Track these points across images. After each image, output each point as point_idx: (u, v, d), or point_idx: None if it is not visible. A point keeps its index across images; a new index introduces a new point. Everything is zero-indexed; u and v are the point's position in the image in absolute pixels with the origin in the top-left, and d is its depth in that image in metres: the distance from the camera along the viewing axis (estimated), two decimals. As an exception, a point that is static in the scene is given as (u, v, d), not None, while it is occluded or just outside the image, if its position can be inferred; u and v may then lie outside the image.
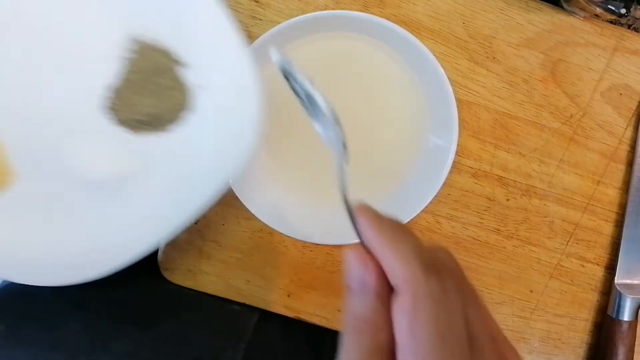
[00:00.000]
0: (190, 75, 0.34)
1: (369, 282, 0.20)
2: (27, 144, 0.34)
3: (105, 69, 0.33)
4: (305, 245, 0.43)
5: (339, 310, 0.43)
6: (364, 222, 0.22)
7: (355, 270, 0.20)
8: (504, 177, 0.43)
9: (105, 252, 0.34)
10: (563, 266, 0.44)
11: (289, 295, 0.43)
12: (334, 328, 0.44)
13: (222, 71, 0.32)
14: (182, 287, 0.43)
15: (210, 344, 0.39)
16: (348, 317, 0.20)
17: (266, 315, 0.43)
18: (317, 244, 0.42)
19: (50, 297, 0.37)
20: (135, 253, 0.34)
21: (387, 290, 0.20)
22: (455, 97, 0.40)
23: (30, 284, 0.34)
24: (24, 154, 0.34)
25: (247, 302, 0.43)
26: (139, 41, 0.33)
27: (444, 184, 0.41)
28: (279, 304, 0.43)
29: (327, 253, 0.43)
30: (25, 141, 0.34)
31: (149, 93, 0.33)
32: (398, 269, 0.19)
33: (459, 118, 0.40)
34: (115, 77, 0.34)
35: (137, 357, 0.36)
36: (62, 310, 0.37)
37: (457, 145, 0.41)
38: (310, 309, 0.43)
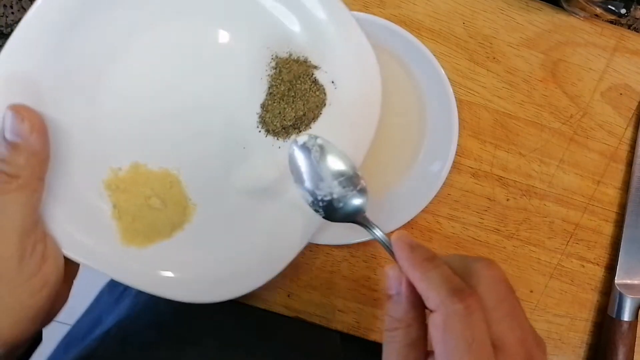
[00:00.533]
0: (323, 75, 0.37)
1: (404, 292, 0.27)
2: (200, 175, 0.37)
3: (257, 90, 0.37)
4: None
5: (339, 310, 0.43)
6: (400, 256, 0.27)
7: (393, 284, 0.27)
8: (504, 177, 0.43)
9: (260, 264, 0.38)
10: (563, 266, 0.44)
11: (289, 295, 0.43)
12: (332, 328, 0.44)
13: (348, 67, 0.37)
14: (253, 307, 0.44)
15: None
16: (387, 318, 0.27)
17: (344, 336, 0.44)
18: (317, 244, 0.42)
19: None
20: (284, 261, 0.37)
21: (416, 296, 0.26)
22: (455, 97, 0.40)
23: (200, 302, 0.36)
24: (198, 185, 0.37)
25: (248, 303, 0.43)
26: (278, 57, 0.37)
27: (444, 184, 0.41)
28: (279, 304, 0.43)
29: (327, 253, 0.43)
30: (198, 173, 0.37)
31: (293, 99, 0.36)
32: (430, 296, 0.25)
33: (459, 118, 0.40)
34: (265, 94, 0.37)
35: None
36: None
37: (457, 145, 0.41)
38: (310, 309, 0.43)
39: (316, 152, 0.33)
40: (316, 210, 0.35)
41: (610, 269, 0.44)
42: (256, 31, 0.36)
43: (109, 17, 0.34)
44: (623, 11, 0.37)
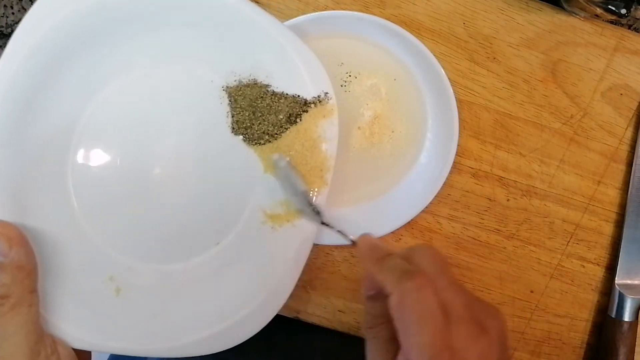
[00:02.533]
0: (276, 87, 0.38)
1: (377, 292, 0.30)
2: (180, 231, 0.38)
3: (224, 112, 0.38)
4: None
5: (339, 311, 0.43)
6: (361, 256, 0.31)
7: (369, 285, 0.31)
8: (504, 178, 0.43)
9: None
10: (563, 266, 0.44)
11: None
12: (333, 328, 0.44)
13: (293, 76, 0.38)
14: None
15: None
16: (368, 317, 0.30)
17: (344, 336, 0.45)
18: (318, 245, 0.42)
19: None
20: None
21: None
22: (456, 97, 0.40)
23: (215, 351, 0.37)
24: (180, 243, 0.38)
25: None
26: (229, 87, 0.38)
27: (444, 184, 0.41)
28: (279, 304, 0.43)
29: (327, 253, 0.43)
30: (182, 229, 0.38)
31: (261, 118, 0.38)
32: (386, 284, 0.28)
33: (459, 118, 0.40)
34: (231, 115, 0.38)
35: None
36: None
37: (458, 145, 0.41)
38: (310, 309, 0.43)
39: (287, 169, 0.37)
40: (303, 213, 0.37)
41: (611, 269, 0.44)
42: (202, 66, 0.37)
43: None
44: (623, 11, 0.37)
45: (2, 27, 0.41)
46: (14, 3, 0.41)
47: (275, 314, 0.38)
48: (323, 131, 0.38)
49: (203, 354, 0.36)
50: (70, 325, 0.33)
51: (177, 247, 0.37)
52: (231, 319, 0.37)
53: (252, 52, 0.37)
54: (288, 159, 0.38)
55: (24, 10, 0.41)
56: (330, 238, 0.41)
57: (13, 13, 0.41)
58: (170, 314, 0.36)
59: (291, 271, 0.38)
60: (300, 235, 0.38)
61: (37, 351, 0.29)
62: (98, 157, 0.35)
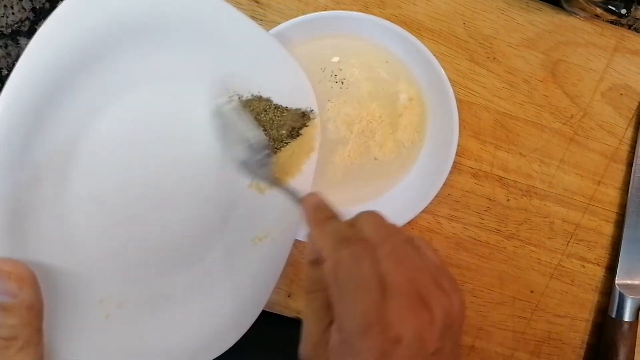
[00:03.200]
0: (277, 100, 0.38)
1: (317, 258, 0.28)
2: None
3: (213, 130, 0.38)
4: (306, 245, 0.43)
5: (339, 311, 0.43)
6: (304, 216, 0.30)
7: (312, 249, 0.29)
8: (504, 178, 0.43)
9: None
10: (564, 267, 0.44)
11: (289, 296, 0.43)
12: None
13: (284, 90, 0.38)
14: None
15: None
16: (307, 281, 0.29)
17: None
18: (318, 244, 0.42)
19: None
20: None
21: None
22: (456, 98, 0.40)
23: None
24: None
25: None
26: (244, 98, 0.37)
27: (445, 184, 0.41)
28: (280, 304, 0.43)
29: (328, 253, 0.43)
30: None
31: (268, 130, 0.37)
32: (323, 249, 0.27)
33: (459, 118, 0.40)
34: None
35: None
36: None
37: (458, 145, 0.40)
38: (310, 310, 0.43)
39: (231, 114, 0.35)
40: (247, 165, 0.35)
41: (611, 269, 0.44)
42: (193, 85, 0.37)
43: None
44: (623, 11, 0.37)
45: (2, 27, 0.41)
46: (14, 3, 0.41)
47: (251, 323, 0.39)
48: (315, 143, 0.38)
49: None
50: (65, 352, 0.33)
51: (163, 265, 0.37)
52: (212, 333, 0.38)
53: (243, 68, 0.37)
54: (236, 101, 0.35)
55: (24, 10, 0.41)
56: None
57: (13, 13, 0.41)
58: (157, 333, 0.37)
59: (269, 282, 0.39)
60: (278, 248, 0.39)
61: None
62: (92, 180, 0.35)
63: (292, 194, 0.32)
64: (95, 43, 0.32)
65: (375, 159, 0.42)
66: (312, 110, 0.38)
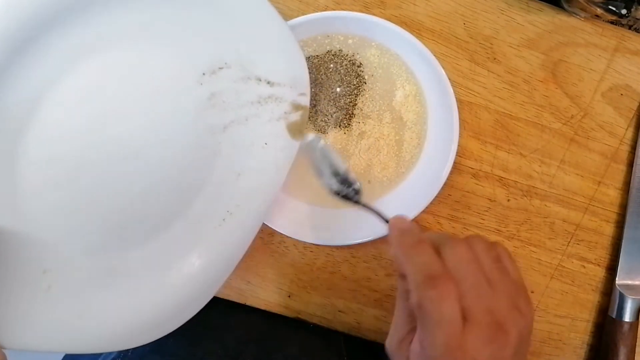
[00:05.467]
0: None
1: (403, 274, 0.30)
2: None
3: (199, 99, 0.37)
4: (306, 245, 0.43)
5: (339, 311, 0.43)
6: (391, 240, 0.31)
7: (396, 267, 0.32)
8: (504, 178, 0.43)
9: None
10: (564, 267, 0.44)
11: (289, 296, 0.43)
12: (333, 328, 0.44)
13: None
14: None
15: None
16: (398, 287, 0.32)
17: (347, 338, 0.45)
18: (318, 245, 0.42)
19: None
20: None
21: None
22: (456, 98, 0.40)
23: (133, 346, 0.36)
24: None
25: (248, 303, 0.43)
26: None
27: (445, 184, 0.41)
28: (280, 305, 0.43)
29: (328, 254, 0.43)
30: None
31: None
32: (410, 279, 0.29)
33: (460, 118, 0.40)
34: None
35: None
36: None
37: (458, 145, 0.40)
38: (310, 310, 0.43)
39: (323, 150, 0.38)
40: (339, 194, 0.37)
41: (611, 269, 0.44)
42: (181, 50, 0.36)
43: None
44: (624, 12, 0.37)
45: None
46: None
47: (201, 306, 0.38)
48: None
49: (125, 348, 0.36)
50: (4, 325, 0.32)
51: (120, 237, 0.35)
52: (158, 313, 0.36)
53: (239, 41, 0.36)
54: (323, 140, 0.38)
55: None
56: (331, 239, 0.41)
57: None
58: (98, 312, 0.35)
59: (228, 265, 0.38)
60: (242, 232, 0.38)
61: None
62: (50, 140, 0.32)
63: (380, 215, 0.35)
64: None
65: (375, 159, 0.42)
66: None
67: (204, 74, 0.35)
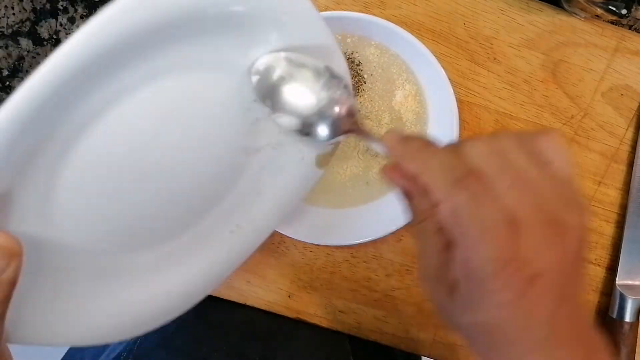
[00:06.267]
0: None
1: (411, 189, 0.26)
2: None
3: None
4: (306, 245, 0.43)
5: (339, 311, 0.43)
6: (392, 153, 0.26)
7: (396, 179, 0.27)
8: (504, 178, 0.43)
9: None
10: (564, 267, 0.44)
11: (289, 296, 0.43)
12: (334, 328, 0.44)
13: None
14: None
15: None
16: (413, 213, 0.27)
17: (351, 339, 0.44)
18: (318, 245, 0.42)
19: None
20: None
21: None
22: (456, 98, 0.40)
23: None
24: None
25: (248, 303, 0.43)
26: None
27: (445, 184, 0.41)
28: (280, 305, 0.43)
29: (328, 254, 0.43)
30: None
31: None
32: (433, 189, 0.24)
33: (460, 119, 0.40)
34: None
35: None
36: None
37: (458, 146, 0.40)
38: (311, 310, 0.43)
39: (284, 71, 0.31)
40: (307, 134, 0.32)
41: (612, 269, 0.44)
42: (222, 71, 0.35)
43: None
44: (624, 12, 0.37)
45: (3, 27, 0.41)
46: (15, 4, 0.41)
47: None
48: None
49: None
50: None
51: (131, 241, 0.36)
52: (146, 313, 0.37)
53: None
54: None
55: (24, 11, 0.41)
56: (331, 239, 0.41)
57: (14, 14, 0.41)
58: (106, 306, 0.36)
59: (226, 271, 0.38)
60: (249, 241, 0.38)
61: None
62: (96, 154, 0.33)
63: (368, 137, 0.29)
64: (156, 29, 0.31)
65: (375, 159, 0.42)
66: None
67: (255, 100, 0.36)
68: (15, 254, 0.26)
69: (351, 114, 0.31)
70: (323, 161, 0.38)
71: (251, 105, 0.36)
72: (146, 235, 0.37)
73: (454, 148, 0.25)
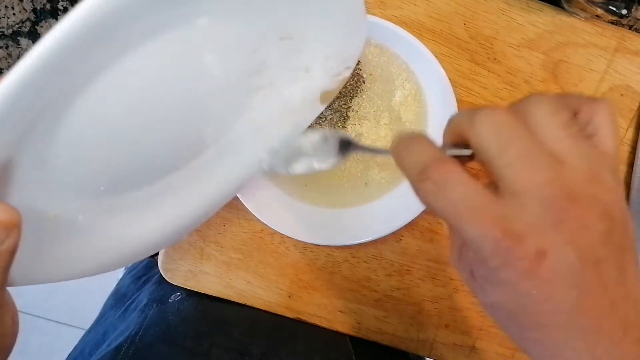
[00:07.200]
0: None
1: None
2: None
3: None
4: (306, 246, 0.43)
5: (339, 311, 0.43)
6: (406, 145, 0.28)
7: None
8: (505, 178, 0.43)
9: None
10: (564, 267, 0.44)
11: (289, 296, 0.43)
12: (334, 329, 0.44)
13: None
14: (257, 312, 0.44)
15: None
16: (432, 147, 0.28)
17: (353, 339, 0.44)
18: (318, 245, 0.42)
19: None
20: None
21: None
22: (456, 98, 0.40)
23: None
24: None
25: (248, 303, 0.43)
26: None
27: (445, 184, 0.41)
28: (280, 305, 0.43)
29: (328, 254, 0.43)
30: None
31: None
32: (483, 145, 0.26)
33: (460, 119, 0.40)
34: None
35: None
36: None
37: (458, 146, 0.40)
38: (311, 310, 0.43)
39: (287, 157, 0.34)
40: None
41: (612, 270, 0.44)
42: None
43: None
44: (624, 12, 0.37)
45: (3, 27, 0.41)
46: (15, 4, 0.41)
47: None
48: None
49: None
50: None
51: (128, 179, 0.36)
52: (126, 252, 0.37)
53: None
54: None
55: (25, 11, 0.41)
56: (331, 239, 0.41)
57: (14, 14, 0.41)
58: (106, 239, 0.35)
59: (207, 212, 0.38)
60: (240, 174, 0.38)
61: None
62: (98, 110, 0.31)
63: (374, 151, 0.32)
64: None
65: (375, 159, 0.42)
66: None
67: (265, 40, 0.34)
68: (14, 225, 0.26)
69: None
70: (326, 99, 0.38)
71: (260, 45, 0.35)
72: (143, 173, 0.36)
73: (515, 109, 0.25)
